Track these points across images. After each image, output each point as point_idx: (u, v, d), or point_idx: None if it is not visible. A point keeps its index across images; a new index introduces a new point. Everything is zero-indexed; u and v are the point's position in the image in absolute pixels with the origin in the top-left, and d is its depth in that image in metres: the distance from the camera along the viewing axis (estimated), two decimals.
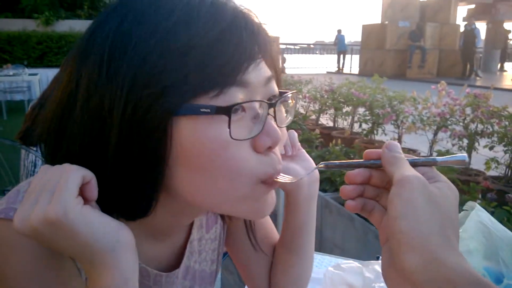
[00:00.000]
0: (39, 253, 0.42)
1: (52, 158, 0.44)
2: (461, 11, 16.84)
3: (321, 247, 2.69)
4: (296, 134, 0.60)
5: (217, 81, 0.38)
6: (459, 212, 0.91)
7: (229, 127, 0.38)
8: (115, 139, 0.40)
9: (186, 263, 0.59)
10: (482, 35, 14.44)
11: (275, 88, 0.45)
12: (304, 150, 0.61)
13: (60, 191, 0.37)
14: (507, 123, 2.29)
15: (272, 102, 0.43)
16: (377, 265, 0.81)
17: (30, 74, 8.25)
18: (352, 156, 2.84)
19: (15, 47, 11.09)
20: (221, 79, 0.38)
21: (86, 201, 0.39)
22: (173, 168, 0.41)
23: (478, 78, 12.79)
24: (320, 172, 2.53)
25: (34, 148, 1.68)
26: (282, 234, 0.67)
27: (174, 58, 0.38)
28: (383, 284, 0.75)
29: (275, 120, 0.44)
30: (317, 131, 3.50)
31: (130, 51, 0.38)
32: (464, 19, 14.75)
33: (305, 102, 4.39)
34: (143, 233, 0.51)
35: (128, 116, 0.39)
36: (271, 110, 0.43)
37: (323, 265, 1.00)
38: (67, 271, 0.44)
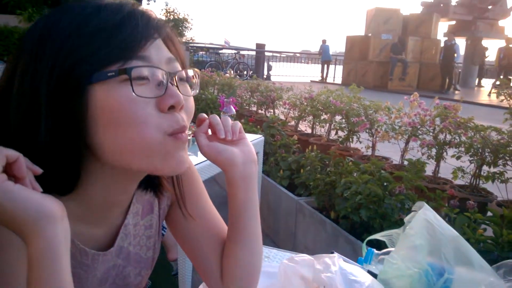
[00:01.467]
0: None
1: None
2: (442, 27, 17.31)
3: (294, 250, 2.74)
4: (239, 124, 0.67)
5: (120, 55, 0.48)
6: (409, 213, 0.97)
7: (131, 86, 0.48)
8: (44, 109, 0.48)
9: (120, 244, 0.65)
10: (462, 50, 14.88)
11: (178, 67, 0.55)
12: (247, 138, 0.67)
13: None
14: (472, 134, 2.39)
15: (171, 72, 0.52)
16: (327, 258, 0.85)
17: None
18: (326, 162, 2.90)
19: None
20: (123, 53, 0.49)
21: (17, 179, 0.44)
22: (94, 129, 0.49)
23: (456, 92, 13.16)
24: (295, 177, 2.58)
25: None
26: (228, 219, 0.70)
27: (86, 38, 0.48)
28: (329, 274, 0.79)
29: (178, 89, 0.53)
30: (295, 137, 3.57)
31: (52, 40, 0.49)
32: (444, 35, 15.18)
33: (285, 108, 4.46)
34: (83, 215, 0.57)
35: (53, 86, 0.48)
36: (173, 81, 0.52)
37: (279, 258, 1.05)
38: (15, 246, 0.48)
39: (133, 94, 0.48)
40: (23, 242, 0.45)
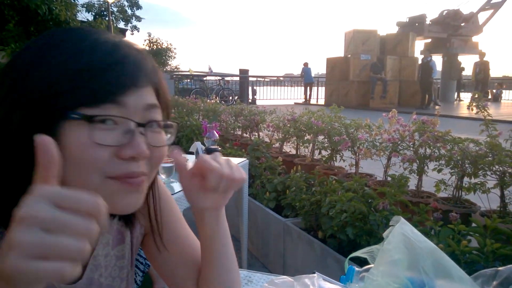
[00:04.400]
0: None
1: None
2: (419, 45, 17.87)
3: (284, 272, 2.70)
4: (218, 154, 0.66)
5: (95, 98, 0.49)
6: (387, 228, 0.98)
7: (91, 131, 0.48)
8: (15, 139, 0.48)
9: (90, 275, 0.64)
10: (439, 67, 15.32)
11: (156, 116, 0.55)
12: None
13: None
14: (451, 146, 2.43)
15: (141, 122, 0.52)
16: (307, 279, 0.85)
17: None
18: (312, 182, 2.91)
19: None
20: (98, 97, 0.49)
21: None
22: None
23: (437, 107, 13.46)
24: (282, 198, 2.57)
25: None
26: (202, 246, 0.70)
27: (69, 75, 0.48)
28: None
29: (147, 138, 0.53)
30: (280, 158, 3.58)
31: (42, 65, 0.49)
32: (421, 52, 15.64)
33: (269, 131, 4.49)
34: None
35: (28, 116, 0.48)
36: (142, 130, 0.52)
37: (262, 282, 1.03)
38: None
39: (89, 139, 0.48)
40: None
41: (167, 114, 0.58)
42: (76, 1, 16.73)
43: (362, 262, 1.08)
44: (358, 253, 1.08)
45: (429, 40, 17.35)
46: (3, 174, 0.50)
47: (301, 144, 3.87)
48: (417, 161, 2.62)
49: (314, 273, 0.95)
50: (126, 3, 24.96)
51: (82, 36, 0.52)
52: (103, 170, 0.50)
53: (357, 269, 0.99)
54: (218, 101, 7.34)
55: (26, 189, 0.46)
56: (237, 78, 17.32)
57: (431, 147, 2.57)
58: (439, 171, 2.54)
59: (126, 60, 0.51)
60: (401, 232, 0.91)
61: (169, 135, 0.58)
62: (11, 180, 0.49)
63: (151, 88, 0.54)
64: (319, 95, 18.66)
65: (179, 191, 1.83)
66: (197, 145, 2.34)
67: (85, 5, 21.83)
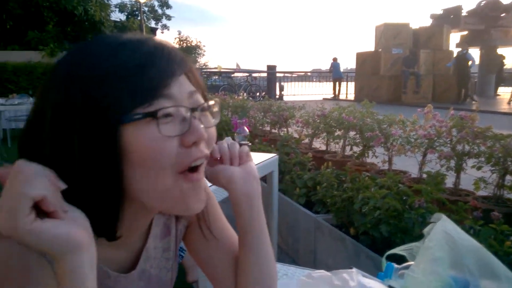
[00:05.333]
0: (28, 255, 0.48)
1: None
2: (454, 38, 17.22)
3: (314, 268, 2.68)
4: (246, 148, 0.70)
5: (146, 96, 0.50)
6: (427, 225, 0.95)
7: (158, 126, 0.50)
8: (77, 150, 0.49)
9: (142, 266, 0.67)
10: (476, 60, 14.71)
11: (200, 100, 0.57)
12: (251, 162, 0.70)
13: (10, 212, 0.43)
14: (491, 143, 2.33)
15: (193, 107, 0.54)
16: (345, 274, 0.83)
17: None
18: (343, 178, 2.87)
19: (20, 78, 11.38)
20: (149, 95, 0.50)
21: (49, 214, 0.45)
22: (124, 169, 0.50)
23: (473, 102, 12.96)
24: (312, 194, 2.56)
25: None
26: (238, 238, 0.72)
27: (113, 84, 0.50)
28: None
29: (201, 122, 0.55)
30: (310, 154, 3.55)
31: (80, 83, 0.50)
32: (457, 45, 15.07)
33: (298, 126, 4.46)
34: (106, 241, 0.57)
35: (85, 129, 0.49)
36: (196, 115, 0.54)
37: (297, 276, 1.03)
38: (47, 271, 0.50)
39: (159, 133, 0.50)
40: None
41: (204, 96, 0.59)
42: (109, 1, 17.19)
43: (398, 260, 1.05)
44: (396, 250, 1.06)
45: (465, 33, 16.68)
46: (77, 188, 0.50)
47: (331, 140, 3.82)
48: (455, 158, 2.53)
49: (351, 268, 0.93)
50: (156, 3, 25.42)
51: (106, 45, 0.53)
52: (173, 164, 0.52)
53: (396, 266, 0.97)
54: (245, 98, 7.35)
55: (97, 197, 0.50)
56: (265, 74, 17.29)
57: (470, 144, 2.47)
58: (479, 168, 2.44)
59: (158, 54, 0.53)
60: (443, 229, 0.88)
61: (214, 115, 0.60)
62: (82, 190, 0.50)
63: (184, 76, 0.56)
64: (348, 91, 18.35)
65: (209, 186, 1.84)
66: (228, 141, 2.35)
67: (118, 6, 22.39)
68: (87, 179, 0.50)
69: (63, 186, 0.47)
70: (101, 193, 0.51)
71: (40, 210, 0.45)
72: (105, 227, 0.53)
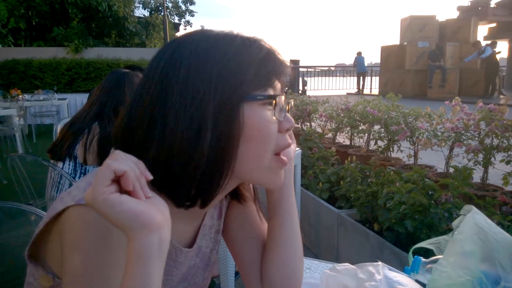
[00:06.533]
0: (106, 230, 0.52)
1: (143, 148, 0.56)
2: (482, 30, 16.62)
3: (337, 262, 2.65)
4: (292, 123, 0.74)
5: (264, 83, 0.59)
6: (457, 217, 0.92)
7: (274, 109, 0.59)
8: (210, 120, 0.54)
9: (199, 243, 0.72)
10: (505, 53, 14.20)
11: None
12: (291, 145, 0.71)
13: (94, 183, 0.47)
14: None
15: (288, 100, 0.63)
16: (371, 267, 0.82)
17: (59, 99, 8.60)
18: (367, 173, 2.83)
19: (46, 74, 11.62)
20: (266, 83, 0.59)
21: (130, 194, 0.48)
22: (242, 142, 0.57)
23: (501, 96, 12.52)
24: (335, 189, 2.53)
25: (57, 162, 1.76)
26: (267, 220, 0.75)
27: (243, 66, 0.57)
28: (373, 283, 0.76)
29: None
30: (333, 149, 3.51)
31: (212, 61, 0.57)
32: (484, 38, 14.56)
33: (321, 121, 4.42)
34: (182, 214, 0.62)
35: (217, 101, 0.55)
36: (288, 108, 0.63)
37: (320, 270, 1.02)
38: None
39: (272, 116, 0.58)
40: None
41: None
42: None
43: (424, 255, 1.03)
44: (423, 244, 1.04)
45: (493, 25, 16.10)
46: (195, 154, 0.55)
47: (355, 134, 3.77)
48: (483, 152, 2.45)
49: (376, 261, 0.92)
50: None
51: (230, 35, 0.61)
52: (274, 145, 0.60)
53: (423, 260, 0.95)
54: None
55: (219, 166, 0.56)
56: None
57: (499, 137, 2.39)
58: (508, 162, 2.36)
59: (272, 53, 0.61)
60: (474, 222, 0.85)
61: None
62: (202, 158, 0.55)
63: (283, 75, 0.63)
64: (372, 85, 18.04)
65: None
66: None
67: (142, 2, 22.65)
68: (212, 151, 0.55)
69: (150, 176, 0.50)
70: (220, 164, 0.56)
71: (124, 191, 0.47)
72: (208, 198, 0.58)
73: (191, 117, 0.54)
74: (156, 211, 0.48)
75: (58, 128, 2.87)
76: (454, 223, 0.87)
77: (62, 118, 8.06)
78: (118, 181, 0.47)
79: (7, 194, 3.92)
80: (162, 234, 0.48)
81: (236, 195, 0.74)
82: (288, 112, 0.64)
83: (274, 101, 0.59)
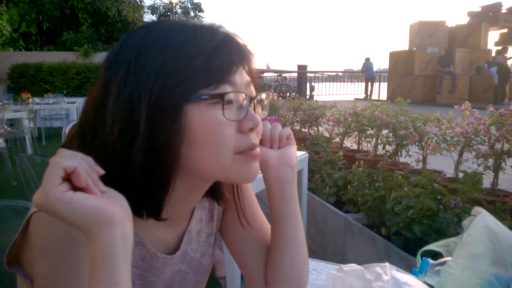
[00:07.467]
0: (71, 232, 0.50)
1: (88, 148, 0.53)
2: (493, 36, 16.51)
3: None
4: (288, 130, 0.69)
5: (215, 79, 0.52)
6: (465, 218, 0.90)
7: (223, 109, 0.52)
8: (143, 123, 0.50)
9: (184, 249, 0.67)
10: None
11: (253, 91, 0.59)
12: (293, 145, 0.69)
13: (44, 183, 0.44)
14: None
15: (251, 96, 0.56)
16: (378, 267, 0.81)
17: (68, 103, 8.69)
18: (375, 177, 2.80)
19: (55, 78, 11.75)
20: (217, 78, 0.52)
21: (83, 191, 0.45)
22: (184, 145, 0.52)
23: None
24: (342, 193, 2.50)
25: None
26: (270, 225, 0.71)
27: (186, 60, 0.51)
28: (381, 283, 0.75)
29: (254, 111, 0.57)
30: (341, 153, 3.49)
31: (153, 57, 0.51)
32: (495, 44, 14.46)
33: (329, 125, 4.40)
34: (153, 221, 0.58)
35: (153, 102, 0.50)
36: (253, 105, 0.56)
37: (327, 271, 1.00)
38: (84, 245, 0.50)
39: (223, 117, 0.52)
40: None
41: (256, 88, 0.60)
42: (142, 3, 17.61)
43: (433, 258, 1.01)
44: (432, 246, 1.02)
45: (504, 30, 15.98)
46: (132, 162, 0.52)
47: (363, 138, 3.75)
48: (493, 157, 2.42)
49: (384, 262, 0.90)
50: (189, 6, 25.83)
51: (180, 25, 0.54)
52: (231, 146, 0.54)
53: (431, 261, 0.93)
54: (276, 97, 7.35)
55: (156, 174, 0.52)
56: (295, 74, 17.21)
57: (510, 142, 2.36)
58: None
59: (227, 41, 0.54)
60: (484, 224, 0.84)
61: (264, 108, 0.62)
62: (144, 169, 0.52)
63: (245, 65, 0.57)
64: (380, 91, 17.97)
65: None
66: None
67: (151, 7, 22.88)
68: (147, 156, 0.51)
69: (101, 171, 0.47)
70: (158, 171, 0.52)
71: (76, 188, 0.45)
72: (155, 206, 0.54)
73: (126, 120, 0.50)
74: (115, 204, 0.46)
75: (67, 130, 2.90)
76: (464, 223, 0.86)
77: (71, 121, 8.16)
78: (68, 179, 0.45)
79: (17, 195, 3.96)
80: (125, 228, 0.46)
81: (216, 195, 0.70)
82: (257, 108, 0.59)
83: (222, 100, 0.51)
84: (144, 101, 0.50)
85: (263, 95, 0.61)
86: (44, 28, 15.15)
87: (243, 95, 0.54)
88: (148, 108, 0.50)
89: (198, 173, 0.56)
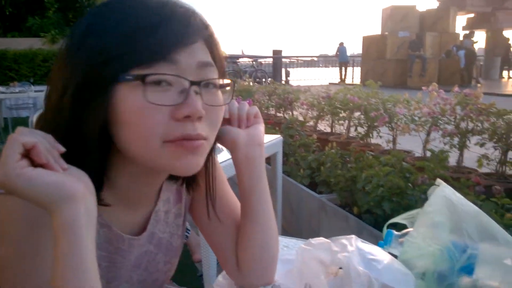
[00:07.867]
0: (32, 214, 0.49)
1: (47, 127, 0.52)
2: (460, 20, 16.93)
3: None
4: (255, 109, 0.69)
5: (148, 58, 0.48)
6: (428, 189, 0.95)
7: (144, 92, 0.48)
8: (70, 99, 0.49)
9: (151, 229, 0.67)
10: (482, 43, 14.54)
11: (211, 75, 0.54)
12: (261, 123, 0.69)
13: (3, 159, 0.43)
14: (495, 119, 2.32)
15: (196, 80, 0.51)
16: (344, 239, 0.84)
17: (36, 91, 8.39)
18: (347, 158, 2.87)
19: (21, 65, 11.31)
20: (151, 57, 0.48)
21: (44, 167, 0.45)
22: (114, 126, 0.51)
23: (479, 85, 12.81)
24: (316, 175, 2.53)
25: None
26: (240, 203, 0.72)
27: (121, 37, 0.48)
28: (346, 254, 0.78)
29: (202, 98, 0.52)
30: (314, 136, 3.55)
31: (94, 35, 0.50)
32: (463, 28, 14.84)
33: (303, 109, 4.45)
34: (117, 202, 0.59)
35: (80, 83, 0.49)
36: (197, 89, 0.51)
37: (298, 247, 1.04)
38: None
39: (146, 101, 0.48)
40: None
41: (222, 73, 0.57)
42: None
43: (400, 231, 1.06)
44: (398, 219, 1.07)
45: (471, 15, 16.41)
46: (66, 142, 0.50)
47: (336, 121, 3.81)
48: (459, 136, 2.52)
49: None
50: None
51: (132, 1, 0.52)
52: (160, 134, 0.49)
53: (396, 233, 0.98)
54: (251, 83, 7.35)
55: (87, 153, 0.51)
56: (270, 60, 17.18)
57: (474, 121, 2.46)
58: (482, 145, 2.43)
59: (173, 17, 0.50)
60: (443, 194, 0.88)
61: (226, 95, 0.57)
62: (75, 147, 0.50)
63: (203, 45, 0.53)
64: (354, 75, 18.20)
65: (224, 160, 1.82)
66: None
67: None
68: (78, 136, 0.50)
69: (62, 148, 0.47)
70: (90, 150, 0.51)
71: (36, 165, 0.45)
72: (93, 173, 0.52)
73: (60, 96, 0.50)
74: (78, 181, 0.46)
75: (34, 118, 2.81)
76: (428, 192, 0.90)
77: (39, 109, 7.88)
78: (28, 156, 0.44)
79: None
80: (88, 204, 0.46)
81: (189, 181, 0.69)
82: (224, 95, 0.55)
83: (143, 81, 0.48)
84: (73, 80, 0.49)
85: (226, 81, 0.56)
86: (7, 13, 14.48)
87: (184, 79, 0.50)
88: (76, 87, 0.49)
89: (132, 157, 0.53)
